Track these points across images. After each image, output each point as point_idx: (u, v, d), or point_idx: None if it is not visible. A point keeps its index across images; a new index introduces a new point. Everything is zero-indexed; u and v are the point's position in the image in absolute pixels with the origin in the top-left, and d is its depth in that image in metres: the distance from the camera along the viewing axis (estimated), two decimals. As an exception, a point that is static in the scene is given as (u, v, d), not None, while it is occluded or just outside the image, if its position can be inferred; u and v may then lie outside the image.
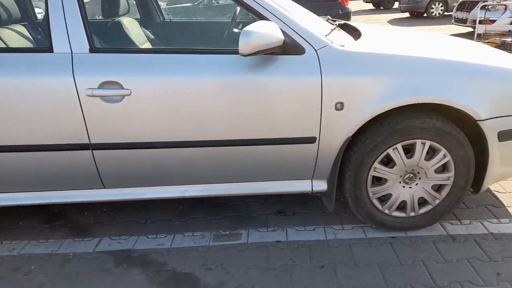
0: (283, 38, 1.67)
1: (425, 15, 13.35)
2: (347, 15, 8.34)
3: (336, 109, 1.77)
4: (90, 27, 1.75)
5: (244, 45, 1.54)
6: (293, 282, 1.74)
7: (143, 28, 2.76)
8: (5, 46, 2.00)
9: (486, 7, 7.41)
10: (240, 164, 1.88)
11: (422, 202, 2.01)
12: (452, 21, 9.24)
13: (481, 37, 6.41)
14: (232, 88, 1.72)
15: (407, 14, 14.64)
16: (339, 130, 1.80)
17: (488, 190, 2.39)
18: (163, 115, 1.74)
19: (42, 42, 2.29)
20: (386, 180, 1.93)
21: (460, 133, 1.83)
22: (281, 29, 1.73)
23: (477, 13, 6.79)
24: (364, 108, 1.76)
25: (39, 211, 2.40)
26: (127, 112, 1.73)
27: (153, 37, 2.79)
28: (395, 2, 17.13)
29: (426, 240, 1.97)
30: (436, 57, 1.82)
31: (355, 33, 2.19)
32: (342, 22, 2.55)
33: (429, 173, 1.92)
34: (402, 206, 2.01)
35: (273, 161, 1.88)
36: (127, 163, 1.84)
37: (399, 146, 1.85)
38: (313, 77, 1.73)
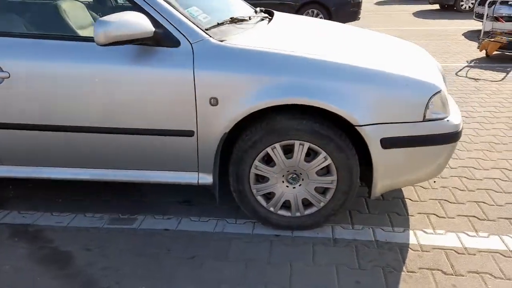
0: (152, 29, 1.68)
1: (454, 8, 12.71)
2: (357, 4, 8.09)
3: (211, 104, 1.77)
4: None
5: (99, 35, 1.56)
6: (159, 270, 1.79)
7: (91, 11, 2.82)
8: None
9: (509, 3, 6.98)
10: (122, 151, 1.93)
11: (309, 203, 1.99)
12: (473, 16, 8.76)
13: (488, 35, 6.05)
14: (100, 76, 1.76)
15: (436, 6, 13.97)
16: (215, 125, 1.81)
17: (401, 196, 2.32)
18: (39, 98, 1.81)
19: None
20: (268, 179, 1.93)
21: (341, 137, 1.79)
22: (157, 20, 1.74)
23: (485, 9, 6.39)
24: (238, 105, 1.76)
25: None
26: (7, 93, 1.81)
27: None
28: (426, -7, 16.40)
29: (308, 241, 1.96)
30: (321, 58, 1.78)
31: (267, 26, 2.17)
32: (263, 14, 2.51)
33: (311, 175, 1.89)
34: (288, 205, 2.00)
35: (157, 152, 1.92)
36: (14, 142, 1.94)
37: (277, 145, 1.83)
38: (185, 71, 1.74)
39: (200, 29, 1.79)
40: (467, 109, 3.81)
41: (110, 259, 1.87)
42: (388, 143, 1.79)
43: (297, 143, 1.82)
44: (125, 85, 1.77)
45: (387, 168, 1.86)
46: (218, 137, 1.83)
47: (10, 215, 2.22)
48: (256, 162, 1.88)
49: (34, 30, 1.97)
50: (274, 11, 2.86)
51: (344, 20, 8.01)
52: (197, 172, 1.99)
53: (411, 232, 2.01)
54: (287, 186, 1.94)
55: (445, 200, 2.28)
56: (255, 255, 1.88)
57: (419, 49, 2.47)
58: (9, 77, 1.79)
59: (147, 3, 1.74)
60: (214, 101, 1.77)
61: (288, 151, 1.87)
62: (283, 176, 1.92)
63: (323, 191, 1.95)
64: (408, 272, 1.74)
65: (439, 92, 1.81)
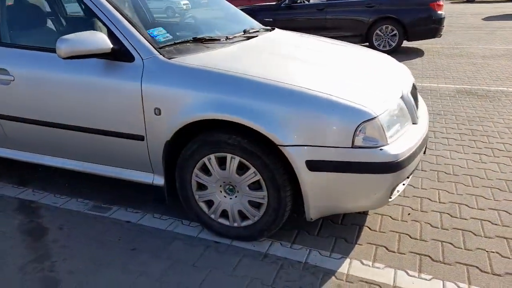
0: (110, 46, 1.95)
1: None
2: (439, 21, 7.52)
3: (155, 114, 1.97)
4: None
5: (59, 50, 1.87)
6: (101, 255, 2.04)
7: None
8: None
9: None
10: (90, 147, 2.24)
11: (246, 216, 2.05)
12: None
13: None
14: (70, 81, 2.11)
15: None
16: (160, 133, 2.00)
17: (362, 223, 2.21)
18: (33, 99, 2.22)
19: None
20: (207, 187, 2.05)
21: (268, 155, 1.83)
22: (118, 38, 2.00)
23: None
24: (177, 117, 1.93)
25: None
26: (12, 92, 2.26)
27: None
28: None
29: (240, 252, 2.02)
30: (253, 78, 1.85)
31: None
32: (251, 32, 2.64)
33: (243, 188, 1.96)
34: (227, 215, 2.08)
35: (118, 151, 2.18)
36: (19, 132, 2.39)
37: (212, 157, 1.95)
38: (135, 83, 1.97)
39: (153, 47, 2.00)
40: (512, 141, 3.36)
41: (71, 239, 2.18)
42: (314, 166, 1.78)
43: (228, 156, 1.91)
44: (89, 91, 2.07)
45: (317, 191, 1.84)
46: (162, 144, 2.02)
47: (25, 192, 2.70)
48: (196, 171, 2.02)
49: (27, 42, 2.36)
50: (275, 29, 2.96)
51: (421, 38, 7.53)
52: (152, 174, 2.20)
53: (347, 260, 1.93)
54: (225, 196, 2.04)
55: (407, 234, 2.11)
56: (186, 256, 2.01)
57: (394, 69, 2.34)
58: (14, 80, 2.24)
59: (111, 22, 2.02)
60: (157, 111, 1.96)
61: (223, 163, 1.97)
62: (220, 186, 2.02)
63: (258, 205, 1.99)
64: (315, 298, 1.71)
65: (371, 119, 1.74)
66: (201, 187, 2.07)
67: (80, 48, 1.89)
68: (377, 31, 7.52)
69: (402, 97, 2.02)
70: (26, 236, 2.23)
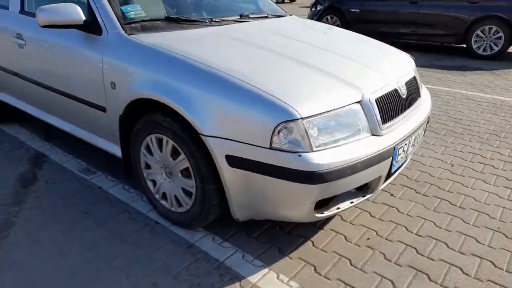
0: (82, 19, 2.06)
1: None
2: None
3: (112, 87, 2.05)
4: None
5: (38, 19, 2.04)
6: (58, 212, 2.23)
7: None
8: None
9: None
10: (69, 111, 2.45)
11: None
12: None
13: None
14: (51, 48, 2.34)
15: None
16: (116, 107, 2.08)
17: (309, 237, 2.00)
18: (35, 62, 2.50)
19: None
20: (150, 166, 2.07)
21: (194, 144, 1.77)
22: (92, 10, 2.11)
23: None
24: (126, 93, 1.97)
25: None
26: (24, 55, 2.56)
27: None
28: None
29: (169, 236, 2.01)
30: (194, 61, 1.80)
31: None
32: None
33: (176, 174, 1.93)
34: (167, 198, 2.08)
35: (87, 117, 2.34)
36: (29, 90, 2.70)
37: (153, 137, 1.96)
38: (98, 56, 2.07)
39: (119, 22, 2.06)
40: None
41: (46, 193, 2.41)
42: (234, 162, 1.67)
43: (164, 138, 1.90)
44: (68, 59, 2.24)
45: (238, 189, 1.73)
46: (117, 118, 2.09)
47: (45, 147, 3.06)
48: (142, 149, 2.05)
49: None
50: (286, 17, 2.80)
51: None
52: (116, 145, 2.29)
53: (264, 270, 1.78)
54: (165, 179, 2.04)
55: (349, 260, 1.85)
56: (123, 229, 2.07)
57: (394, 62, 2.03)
58: (25, 44, 2.53)
59: (86, -4, 2.15)
60: (113, 85, 2.04)
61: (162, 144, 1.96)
62: (161, 167, 2.03)
63: (190, 194, 1.95)
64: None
65: (293, 120, 1.55)
66: (148, 165, 2.10)
67: (55, 18, 2.04)
68: (478, 31, 6.52)
69: (360, 102, 1.75)
70: (18, 183, 2.54)
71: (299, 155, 1.56)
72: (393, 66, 2.11)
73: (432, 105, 4.13)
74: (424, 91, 2.45)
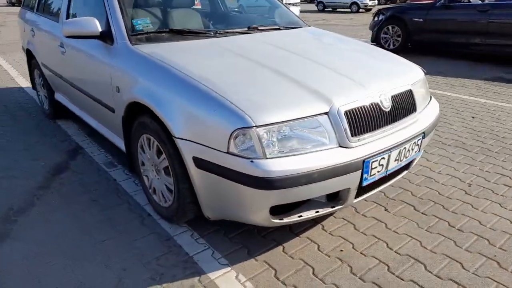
0: (98, 30, 2.34)
1: None
2: None
3: (117, 91, 2.29)
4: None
5: (63, 31, 2.37)
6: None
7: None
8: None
9: None
10: (92, 110, 2.75)
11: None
12: None
13: None
14: (78, 54, 2.66)
15: None
16: (120, 108, 2.31)
17: (282, 243, 2.02)
18: (70, 66, 2.87)
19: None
20: (144, 163, 2.26)
21: (171, 145, 1.91)
22: (109, 23, 2.38)
23: None
24: (125, 96, 2.20)
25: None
26: (64, 59, 2.95)
27: None
28: None
29: (154, 228, 2.17)
30: (177, 70, 1.95)
31: None
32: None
33: (161, 171, 2.09)
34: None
35: (105, 116, 2.62)
36: (69, 90, 3.10)
37: (144, 137, 2.15)
38: (109, 63, 2.33)
39: (127, 33, 2.29)
40: None
41: (70, 181, 2.74)
42: (200, 164, 1.78)
43: (151, 139, 2.08)
44: (89, 64, 2.55)
45: (206, 190, 1.84)
46: (120, 119, 2.33)
47: (86, 141, 3.46)
48: (138, 148, 2.26)
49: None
50: (301, 28, 2.84)
51: None
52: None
53: (226, 269, 1.85)
54: (155, 176, 2.21)
55: (312, 268, 1.84)
56: (119, 218, 2.28)
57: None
58: (65, 51, 2.92)
59: (109, 9, 2.41)
60: (117, 89, 2.27)
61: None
62: (152, 165, 2.20)
63: (171, 191, 2.09)
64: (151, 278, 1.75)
65: (247, 127, 1.61)
66: (143, 162, 2.30)
67: (76, 29, 2.34)
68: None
69: (328, 114, 1.75)
70: (51, 171, 2.92)
71: (252, 161, 1.62)
72: (381, 78, 2.04)
73: (470, 120, 3.82)
74: (431, 105, 2.33)
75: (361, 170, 1.78)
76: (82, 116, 3.13)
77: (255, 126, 1.62)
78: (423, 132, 2.09)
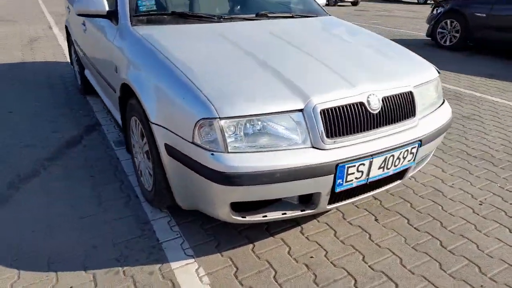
0: (105, 10, 2.38)
1: None
2: None
3: (116, 71, 2.33)
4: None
5: (74, 8, 2.44)
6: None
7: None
8: None
9: None
10: (104, 89, 2.83)
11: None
12: None
13: None
14: (93, 32, 2.72)
15: None
16: (118, 89, 2.35)
17: (254, 240, 1.95)
18: (89, 43, 2.97)
19: None
20: (134, 145, 2.29)
21: (149, 128, 1.91)
22: (116, 3, 2.41)
23: None
24: (120, 77, 2.23)
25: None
26: (85, 37, 3.06)
27: None
28: None
29: (136, 211, 2.20)
30: (161, 53, 1.94)
31: None
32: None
33: (144, 154, 2.10)
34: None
35: (110, 96, 2.68)
36: (90, 67, 3.21)
37: (133, 119, 2.17)
38: (112, 43, 2.37)
39: (130, 14, 2.31)
40: None
41: (77, 155, 2.87)
42: (170, 151, 1.77)
43: (137, 121, 2.09)
44: (100, 42, 2.62)
45: (176, 178, 1.82)
46: (117, 99, 2.37)
47: (105, 118, 3.59)
48: (130, 129, 2.29)
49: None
50: (317, 17, 2.70)
51: None
52: (126, 122, 2.59)
53: (189, 261, 1.84)
54: (142, 158, 2.23)
55: (275, 271, 1.77)
56: (108, 196, 2.35)
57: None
58: (86, 29, 3.02)
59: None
60: (116, 69, 2.31)
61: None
62: (139, 147, 2.22)
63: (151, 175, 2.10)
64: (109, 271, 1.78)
65: (211, 118, 1.57)
66: (134, 144, 2.33)
67: (85, 8, 2.40)
68: None
69: (303, 111, 1.64)
70: (65, 144, 3.07)
71: (212, 154, 1.57)
72: (376, 78, 1.87)
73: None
74: (440, 110, 2.12)
75: (333, 175, 1.66)
76: (99, 93, 3.25)
77: (219, 117, 1.56)
78: (420, 140, 1.90)
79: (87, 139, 3.14)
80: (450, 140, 3.26)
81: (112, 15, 2.41)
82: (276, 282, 1.73)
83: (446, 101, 2.26)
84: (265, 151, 1.60)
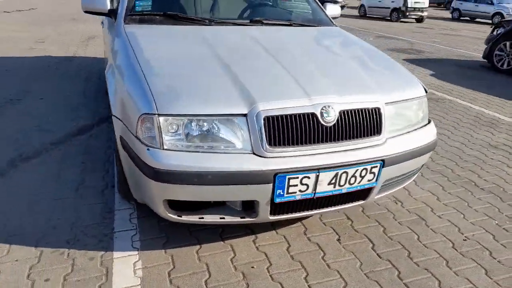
0: (107, 7, 2.52)
1: None
2: None
3: (109, 65, 2.45)
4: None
5: (82, 6, 2.61)
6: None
7: None
8: None
9: None
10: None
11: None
12: None
13: None
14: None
15: None
16: (110, 82, 2.47)
17: (208, 241, 1.93)
18: (105, 39, 3.13)
19: None
20: (115, 137, 2.38)
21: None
22: (119, 1, 2.54)
23: None
24: (106, 71, 2.34)
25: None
26: (103, 34, 3.26)
27: None
28: None
29: (107, 200, 2.28)
30: (134, 53, 1.99)
31: None
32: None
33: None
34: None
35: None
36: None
37: (113, 111, 2.26)
38: (110, 39, 2.50)
39: (125, 13, 2.42)
40: None
41: (80, 143, 3.04)
42: (123, 143, 1.82)
43: (112, 114, 2.18)
44: (104, 39, 2.77)
45: (127, 171, 1.87)
46: (111, 91, 2.49)
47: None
48: (113, 120, 2.39)
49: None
50: (317, 27, 2.63)
51: None
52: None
53: (132, 255, 1.86)
54: (118, 150, 2.32)
55: (210, 274, 1.73)
56: (88, 181, 2.46)
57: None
58: (103, 26, 3.22)
59: (116, -7, 2.59)
60: (112, 64, 2.43)
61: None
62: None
63: (121, 166, 2.17)
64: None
65: (150, 114, 1.59)
66: (116, 136, 2.43)
67: (90, 6, 2.57)
68: None
69: (247, 116, 1.61)
70: (76, 131, 3.27)
71: (148, 149, 1.59)
72: (339, 90, 1.78)
73: None
74: (420, 132, 1.96)
75: (272, 184, 1.60)
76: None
77: (157, 114, 1.58)
78: (382, 160, 1.76)
79: (97, 129, 3.33)
80: (461, 168, 2.98)
81: (112, 13, 2.55)
82: (206, 286, 1.69)
83: (432, 122, 2.09)
84: (202, 152, 1.59)
